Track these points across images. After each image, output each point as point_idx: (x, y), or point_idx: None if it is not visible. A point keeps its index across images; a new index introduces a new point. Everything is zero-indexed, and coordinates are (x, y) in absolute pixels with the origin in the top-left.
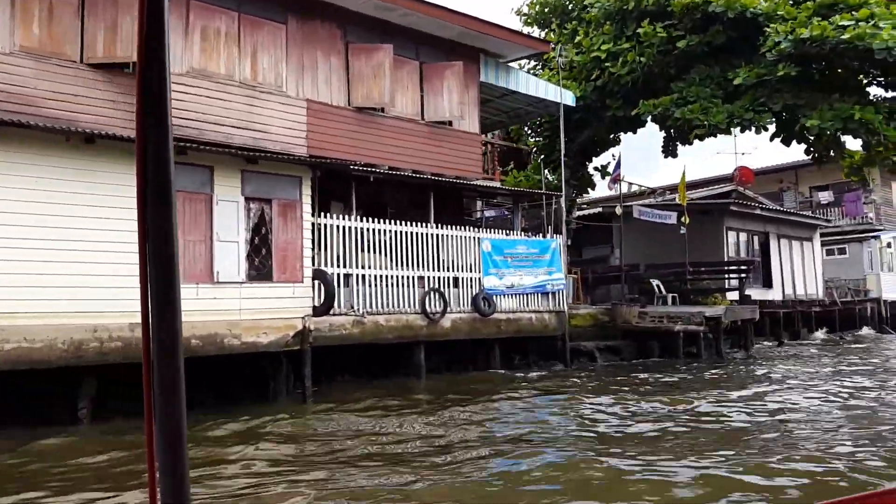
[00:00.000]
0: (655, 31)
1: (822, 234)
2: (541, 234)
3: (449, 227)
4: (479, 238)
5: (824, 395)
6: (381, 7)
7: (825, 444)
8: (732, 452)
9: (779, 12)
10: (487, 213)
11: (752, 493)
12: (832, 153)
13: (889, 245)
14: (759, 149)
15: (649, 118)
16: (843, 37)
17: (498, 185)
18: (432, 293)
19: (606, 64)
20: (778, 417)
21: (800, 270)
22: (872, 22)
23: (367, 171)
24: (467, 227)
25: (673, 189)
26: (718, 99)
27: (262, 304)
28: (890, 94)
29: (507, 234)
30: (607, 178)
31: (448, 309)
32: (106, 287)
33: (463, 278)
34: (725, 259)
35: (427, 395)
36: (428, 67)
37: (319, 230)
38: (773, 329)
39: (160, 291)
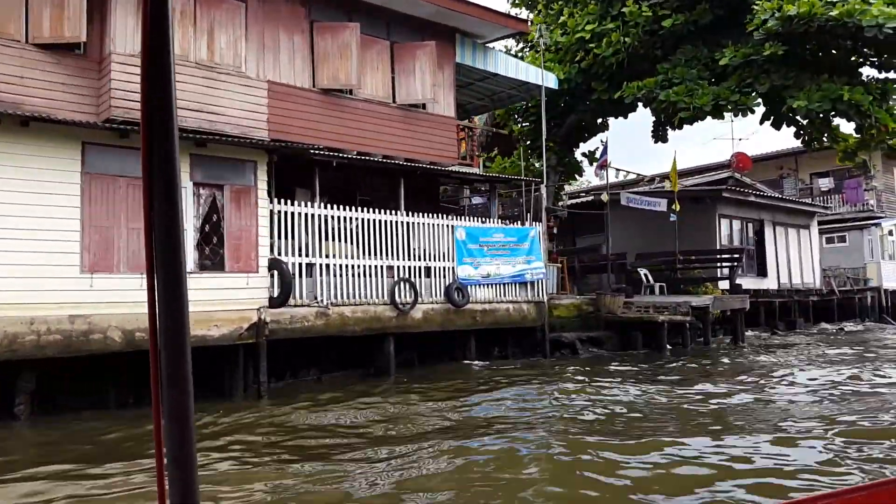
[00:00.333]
0: (641, 10)
1: (821, 222)
2: (519, 222)
3: (422, 214)
4: (452, 226)
5: (792, 395)
6: None
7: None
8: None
9: None
10: (475, 200)
11: None
12: (825, 137)
13: (891, 233)
14: (757, 133)
15: (640, 103)
16: (831, 13)
17: (477, 171)
18: (402, 283)
19: (591, 45)
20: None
21: (796, 259)
22: None
23: (329, 156)
24: (441, 215)
25: (667, 176)
26: (705, 80)
27: (213, 296)
28: (883, 75)
29: (483, 222)
30: (595, 165)
31: (419, 300)
32: (43, 277)
33: (435, 268)
34: (718, 247)
35: (392, 390)
36: (399, 48)
37: (278, 218)
38: (768, 319)
39: (167, 284)
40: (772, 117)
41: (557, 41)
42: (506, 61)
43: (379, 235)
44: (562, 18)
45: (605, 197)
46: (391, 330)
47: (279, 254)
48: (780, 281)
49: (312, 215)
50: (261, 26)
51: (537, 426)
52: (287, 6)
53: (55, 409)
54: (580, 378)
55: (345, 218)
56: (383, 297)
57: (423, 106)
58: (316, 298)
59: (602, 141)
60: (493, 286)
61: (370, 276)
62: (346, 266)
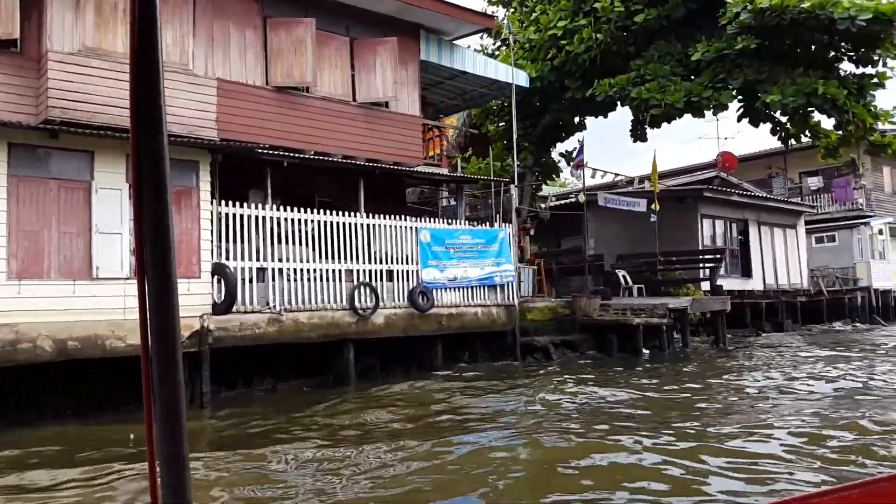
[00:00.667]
0: (613, 5)
1: (809, 222)
2: (488, 223)
3: (384, 216)
4: (416, 227)
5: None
6: None
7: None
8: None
9: None
10: (454, 202)
11: None
12: (806, 133)
13: (881, 232)
14: (741, 133)
15: (611, 100)
16: (803, 5)
17: (445, 171)
18: (362, 287)
19: (563, 42)
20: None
21: (783, 259)
22: None
23: (278, 156)
24: (406, 217)
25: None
26: (678, 77)
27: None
28: (860, 70)
29: (449, 223)
30: (571, 165)
31: (381, 304)
32: None
33: (398, 271)
34: (700, 248)
35: (345, 401)
36: (359, 44)
37: (224, 221)
38: (754, 320)
39: (157, 283)
40: (748, 114)
41: (530, 39)
42: (473, 59)
43: (337, 238)
44: (534, 15)
45: (581, 198)
46: (350, 336)
47: (226, 258)
48: (765, 281)
49: (263, 217)
50: (210, 22)
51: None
52: (238, 1)
53: None
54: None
55: (300, 220)
56: (342, 302)
57: (386, 104)
58: (268, 304)
59: (579, 140)
60: (461, 290)
61: (328, 280)
62: (302, 270)
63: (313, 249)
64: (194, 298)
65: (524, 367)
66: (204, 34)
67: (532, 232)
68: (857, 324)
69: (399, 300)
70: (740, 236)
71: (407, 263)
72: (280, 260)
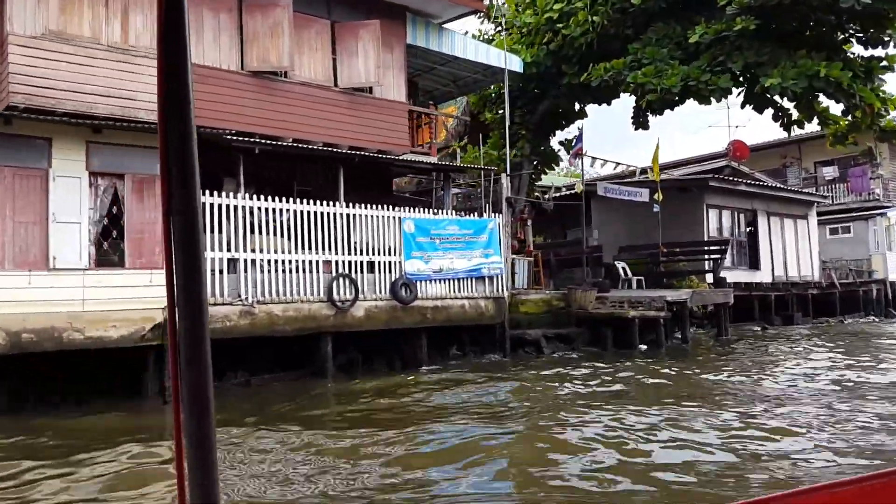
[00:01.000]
0: None
1: (825, 212)
2: (477, 213)
3: (367, 205)
4: (400, 217)
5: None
6: None
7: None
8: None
9: None
10: (454, 191)
11: None
12: (815, 119)
13: None
14: (752, 121)
15: (607, 85)
16: None
17: (434, 160)
18: (341, 279)
19: (559, 25)
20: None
21: (793, 250)
22: None
23: (249, 143)
24: (391, 206)
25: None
26: (676, 60)
27: (112, 294)
28: (869, 52)
29: (435, 213)
30: (570, 153)
31: (361, 296)
32: None
33: (380, 262)
34: (706, 239)
35: (324, 395)
36: (342, 27)
37: None
38: (763, 313)
39: (186, 269)
40: (752, 100)
41: (527, 22)
42: (464, 43)
43: (315, 228)
44: None
45: (579, 187)
46: (328, 329)
47: None
48: (774, 274)
49: (235, 207)
50: None
51: None
52: None
53: None
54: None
55: (274, 209)
56: (320, 294)
57: (370, 90)
58: (240, 296)
59: (578, 128)
60: (447, 281)
61: (305, 271)
62: (277, 261)
63: (289, 240)
64: (156, 290)
65: (513, 361)
66: None
67: (530, 222)
68: (872, 317)
69: (381, 292)
70: (748, 227)
71: (390, 254)
72: (253, 251)
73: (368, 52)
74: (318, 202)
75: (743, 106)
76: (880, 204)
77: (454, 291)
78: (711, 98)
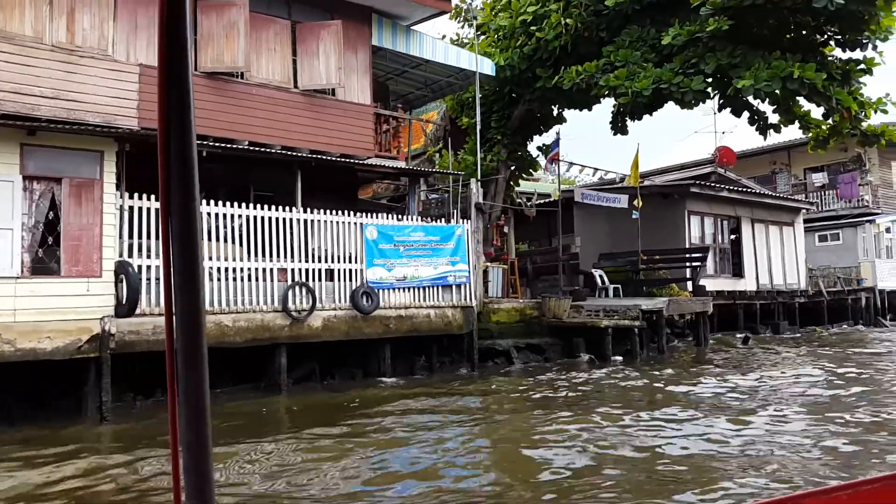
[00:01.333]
0: None
1: (813, 219)
2: (444, 220)
3: (329, 211)
4: (361, 223)
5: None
6: None
7: None
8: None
9: None
10: (432, 197)
11: None
12: (793, 123)
13: (888, 229)
14: (738, 126)
15: (587, 90)
16: None
17: (402, 164)
18: (297, 287)
19: (533, 28)
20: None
21: (778, 258)
22: None
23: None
24: (354, 212)
25: (644, 175)
26: (650, 63)
27: (46, 304)
28: (847, 55)
29: (399, 220)
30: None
31: (318, 305)
32: None
33: (340, 270)
34: (687, 246)
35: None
36: (303, 28)
37: (138, 215)
38: (748, 322)
39: (184, 271)
40: (727, 103)
41: (502, 25)
42: (433, 45)
43: (270, 235)
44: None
45: (555, 194)
46: (282, 340)
47: (138, 256)
48: (759, 281)
49: None
50: (133, 5)
51: None
52: None
53: None
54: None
55: (224, 215)
56: (274, 303)
57: (332, 92)
58: None
59: (557, 134)
60: (412, 290)
61: (258, 280)
62: (227, 269)
63: (242, 246)
64: (94, 300)
65: (480, 374)
66: (127, 18)
67: (506, 229)
68: (860, 325)
69: (341, 301)
70: (732, 234)
71: (350, 262)
72: (202, 258)
73: (330, 53)
74: (276, 207)
75: (720, 109)
76: (869, 211)
77: (419, 300)
78: (685, 101)
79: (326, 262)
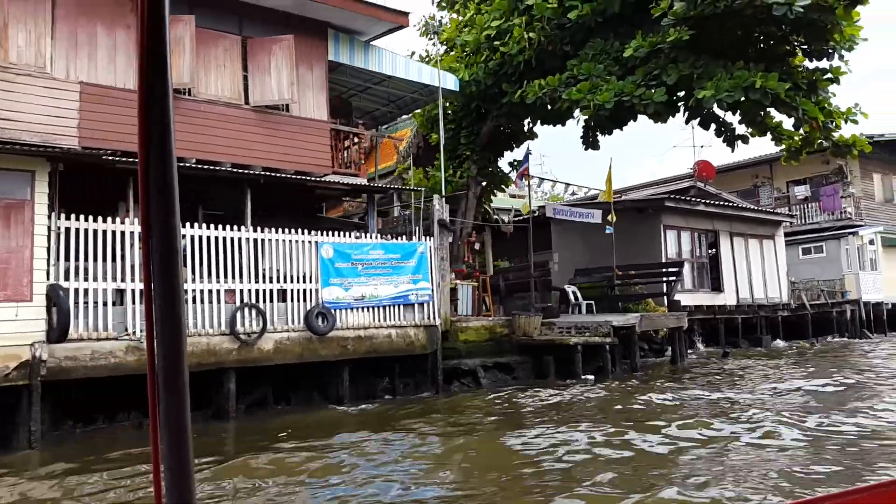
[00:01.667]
0: (546, 1)
1: (796, 232)
2: (405, 237)
3: (281, 229)
4: (317, 242)
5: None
6: None
7: None
8: None
9: None
10: (407, 213)
11: None
12: (769, 134)
13: (871, 241)
14: (717, 140)
15: (550, 104)
16: None
17: (363, 181)
18: (246, 309)
19: (497, 43)
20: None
21: (759, 272)
22: None
23: (131, 163)
24: (310, 231)
25: (621, 192)
26: (614, 76)
27: None
28: (814, 64)
29: (357, 237)
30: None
31: (270, 327)
32: None
33: (294, 290)
34: (664, 261)
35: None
36: (254, 43)
37: (75, 238)
38: (728, 337)
39: (164, 298)
40: (694, 115)
41: (467, 40)
42: (393, 60)
43: (217, 255)
44: (469, 14)
45: (524, 209)
46: (230, 365)
47: (74, 279)
48: (739, 296)
49: (122, 233)
50: (73, 21)
51: None
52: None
53: None
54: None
55: None
56: (221, 326)
57: (287, 108)
58: (127, 330)
59: (528, 149)
60: (371, 309)
61: (205, 302)
62: None
63: (185, 267)
64: (24, 325)
65: (445, 396)
66: (66, 35)
67: (478, 246)
68: (845, 338)
69: (294, 322)
70: (710, 248)
71: (305, 282)
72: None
73: (282, 68)
74: (226, 227)
75: (687, 122)
76: (852, 223)
77: (379, 320)
78: (647, 113)
79: (279, 282)
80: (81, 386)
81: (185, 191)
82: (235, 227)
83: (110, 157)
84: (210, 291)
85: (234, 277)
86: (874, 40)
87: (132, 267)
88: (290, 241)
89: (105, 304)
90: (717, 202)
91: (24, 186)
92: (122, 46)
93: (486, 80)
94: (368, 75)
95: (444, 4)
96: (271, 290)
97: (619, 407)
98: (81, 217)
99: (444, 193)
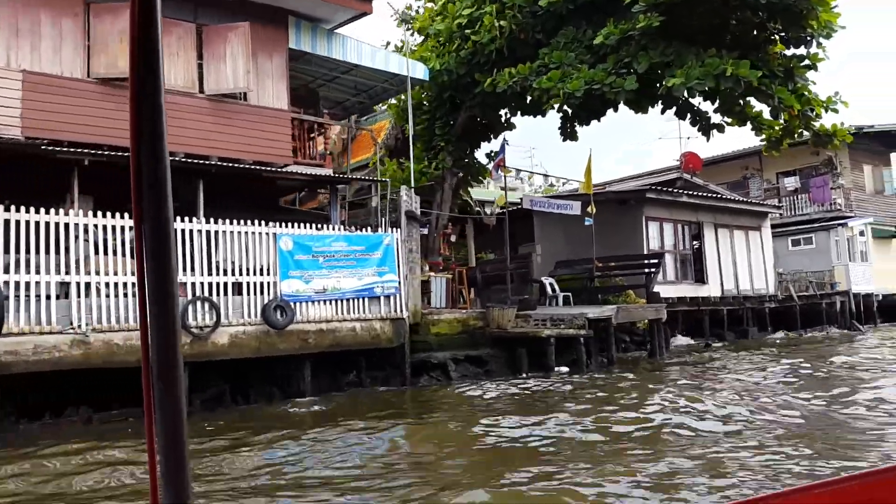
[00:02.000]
0: None
1: (786, 224)
2: (370, 228)
3: (235, 221)
4: (275, 234)
5: None
6: None
7: None
8: None
9: None
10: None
11: None
12: (749, 124)
13: (861, 233)
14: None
15: (522, 93)
16: None
17: (329, 171)
18: (198, 302)
19: (468, 31)
20: None
21: (744, 263)
22: None
23: (77, 153)
24: (267, 222)
25: (604, 185)
26: (586, 65)
27: None
28: (791, 52)
29: (319, 229)
30: (491, 165)
31: (225, 321)
32: None
33: (251, 283)
34: (645, 252)
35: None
36: (209, 31)
37: (13, 228)
38: (713, 329)
39: (158, 290)
40: (669, 103)
41: (439, 29)
42: (358, 48)
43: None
44: (441, 2)
45: (500, 200)
46: (183, 359)
47: (15, 272)
48: (723, 287)
49: (66, 224)
50: (14, 9)
51: None
52: None
53: None
54: None
55: (114, 227)
56: None
57: (244, 97)
58: (72, 324)
59: (505, 140)
60: (334, 302)
61: None
62: (118, 285)
63: (134, 259)
64: None
65: (413, 389)
66: (6, 23)
67: (453, 238)
68: (834, 330)
69: (251, 316)
70: (694, 240)
71: (263, 274)
72: (88, 273)
73: (238, 56)
74: (179, 218)
75: (663, 111)
76: (842, 214)
77: (343, 313)
78: (618, 101)
79: (234, 275)
80: (26, 380)
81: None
82: (187, 219)
83: (51, 148)
84: None
85: (185, 270)
86: (850, 24)
87: (77, 260)
88: (246, 232)
89: (49, 297)
90: (699, 193)
91: None
92: (69, 34)
93: (458, 70)
94: (334, 64)
95: None
96: (226, 283)
97: (576, 399)
98: (23, 208)
99: (413, 184)
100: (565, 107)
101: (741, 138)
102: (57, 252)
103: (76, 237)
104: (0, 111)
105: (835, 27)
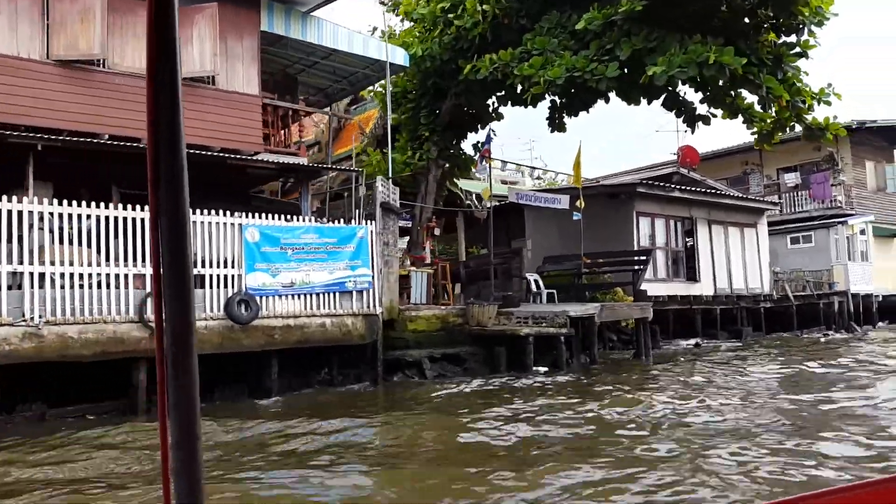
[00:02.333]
0: None
1: (785, 221)
2: (343, 220)
3: (209, 211)
4: (241, 225)
5: None
6: None
7: None
8: None
9: None
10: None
11: None
12: (740, 116)
13: (862, 231)
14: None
15: (503, 80)
16: None
17: (304, 160)
18: None
19: (451, 16)
20: None
21: (739, 261)
22: None
23: (29, 138)
24: (235, 213)
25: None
26: (569, 51)
27: None
28: (782, 39)
29: (288, 220)
30: (477, 155)
31: None
32: None
33: (214, 276)
34: (636, 249)
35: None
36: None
37: None
38: (706, 329)
39: (174, 281)
40: (653, 93)
41: (422, 13)
42: (334, 32)
43: (125, 237)
44: None
45: (485, 193)
46: (140, 354)
47: None
48: (716, 286)
49: (21, 213)
50: None
51: None
52: None
53: None
54: None
55: (70, 215)
56: (129, 313)
57: (211, 80)
58: (24, 316)
59: (492, 129)
60: (303, 297)
61: (111, 287)
62: (74, 275)
63: (90, 248)
64: None
65: (385, 387)
66: None
67: (437, 231)
68: (831, 331)
69: (213, 310)
70: (687, 237)
71: (227, 267)
72: (42, 263)
73: (205, 38)
74: (136, 207)
75: (650, 102)
76: (843, 211)
77: (312, 308)
78: (600, 89)
79: (195, 266)
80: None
81: (98, 169)
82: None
83: (2, 132)
84: (118, 276)
85: (144, 261)
86: (841, 8)
87: (31, 250)
88: (209, 222)
89: None
90: (692, 188)
91: None
92: (24, 13)
93: (441, 56)
94: (312, 49)
95: None
96: None
97: (542, 401)
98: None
99: (392, 175)
100: (548, 95)
101: (742, 132)
102: (10, 241)
103: (30, 226)
104: None
105: (827, 14)
